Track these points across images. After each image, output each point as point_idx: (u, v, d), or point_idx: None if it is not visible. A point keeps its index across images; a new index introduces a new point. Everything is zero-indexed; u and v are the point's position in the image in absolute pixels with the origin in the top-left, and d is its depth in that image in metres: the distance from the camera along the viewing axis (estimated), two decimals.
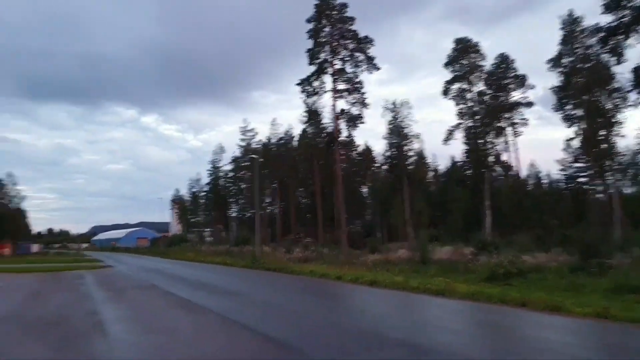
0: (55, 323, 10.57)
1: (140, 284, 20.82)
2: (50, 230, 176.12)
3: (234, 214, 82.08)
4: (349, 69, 45.02)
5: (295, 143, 68.70)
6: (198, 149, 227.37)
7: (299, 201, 72.08)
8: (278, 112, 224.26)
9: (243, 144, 72.33)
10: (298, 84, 46.17)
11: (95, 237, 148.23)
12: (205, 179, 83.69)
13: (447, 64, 52.20)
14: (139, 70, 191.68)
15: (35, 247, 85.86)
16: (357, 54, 45.01)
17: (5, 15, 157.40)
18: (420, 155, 62.83)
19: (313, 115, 48.78)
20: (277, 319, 10.99)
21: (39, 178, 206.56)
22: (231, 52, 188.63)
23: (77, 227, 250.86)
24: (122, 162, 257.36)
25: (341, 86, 44.75)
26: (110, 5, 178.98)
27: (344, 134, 46.34)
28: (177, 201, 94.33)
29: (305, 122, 51.85)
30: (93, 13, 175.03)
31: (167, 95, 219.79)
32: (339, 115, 44.63)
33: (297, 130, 68.59)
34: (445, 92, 51.94)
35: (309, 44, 45.36)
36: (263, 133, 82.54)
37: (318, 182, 56.01)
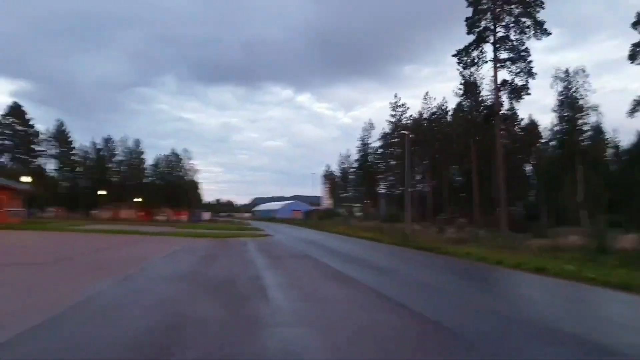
0: (224, 285, 11.32)
1: (295, 253, 21.72)
2: (218, 200, 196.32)
3: (382, 191, 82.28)
4: (513, 36, 41.18)
5: (449, 118, 65.78)
6: (349, 126, 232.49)
7: (453, 179, 69.20)
8: (431, 86, 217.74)
9: (393, 119, 71.52)
10: (454, 55, 43.72)
11: (256, 208, 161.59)
12: (355, 156, 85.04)
13: (635, 24, 44.64)
14: (295, 51, 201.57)
15: (206, 215, 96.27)
16: (523, 19, 40.87)
17: (179, 7, 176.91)
18: (598, 130, 55.49)
19: (470, 87, 45.94)
20: (433, 300, 10.32)
21: (208, 153, 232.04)
22: (382, 27, 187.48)
23: (240, 198, 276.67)
24: (279, 139, 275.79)
25: (504, 55, 41.25)
26: None
27: (505, 107, 42.85)
28: (328, 176, 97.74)
29: (462, 95, 49.18)
30: (253, 2, 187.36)
31: (320, 74, 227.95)
32: (500, 86, 41.24)
33: (451, 104, 65.67)
34: (633, 57, 44.59)
35: (467, 12, 42.46)
36: (414, 108, 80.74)
37: (475, 160, 52.86)
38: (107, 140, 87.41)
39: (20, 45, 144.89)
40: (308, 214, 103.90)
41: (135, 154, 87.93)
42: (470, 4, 42.21)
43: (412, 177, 62.57)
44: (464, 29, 42.55)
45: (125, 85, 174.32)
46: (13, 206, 46.51)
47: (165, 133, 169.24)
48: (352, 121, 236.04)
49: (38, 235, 28.80)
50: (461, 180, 67.92)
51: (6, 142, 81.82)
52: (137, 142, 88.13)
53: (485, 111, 46.46)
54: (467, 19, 42.45)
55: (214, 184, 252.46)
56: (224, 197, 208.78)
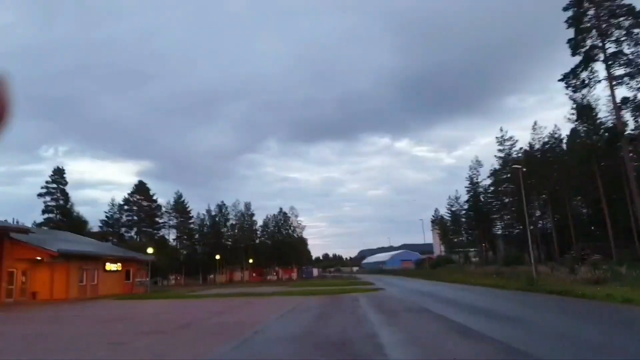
0: (340, 344, 10.60)
1: (411, 306, 20.37)
2: (325, 255, 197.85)
3: (499, 232, 77.03)
4: (627, 49, 37.56)
5: (564, 146, 60.73)
6: (453, 167, 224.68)
7: (578, 212, 62.87)
8: (538, 115, 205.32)
9: (501, 154, 67.66)
10: (561, 80, 40.83)
11: (364, 261, 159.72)
12: (464, 197, 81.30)
13: None
14: (388, 99, 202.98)
15: (315, 271, 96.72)
16: (635, 31, 37.25)
17: (277, 75, 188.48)
18: None
19: (584, 110, 42.17)
20: (577, 355, 8.65)
21: (313, 209, 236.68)
22: (476, 61, 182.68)
23: (347, 252, 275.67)
24: (381, 187, 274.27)
25: (619, 71, 37.62)
26: (353, 49, 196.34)
27: (630, 127, 38.46)
28: (438, 221, 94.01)
29: (575, 121, 45.17)
30: (342, 59, 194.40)
31: (417, 118, 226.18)
32: (621, 105, 37.34)
33: (564, 131, 60.81)
34: None
35: (569, 33, 39.80)
36: (523, 140, 75.86)
37: (601, 187, 47.64)
38: (221, 207, 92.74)
39: (142, 128, 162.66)
40: (419, 263, 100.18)
41: (246, 217, 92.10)
42: (570, 25, 39.56)
43: (531, 214, 57.81)
44: (567, 51, 39.74)
45: (233, 154, 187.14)
46: (140, 277, 50.29)
47: (272, 194, 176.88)
48: (456, 161, 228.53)
49: (160, 304, 30.33)
50: (588, 212, 61.48)
51: (134, 218, 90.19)
52: (248, 206, 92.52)
53: (606, 134, 42.16)
54: (569, 41, 39.71)
55: (320, 238, 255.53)
56: (331, 252, 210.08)
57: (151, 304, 29.80)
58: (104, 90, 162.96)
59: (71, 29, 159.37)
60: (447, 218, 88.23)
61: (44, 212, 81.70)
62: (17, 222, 62.52)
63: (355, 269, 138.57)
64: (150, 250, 47.41)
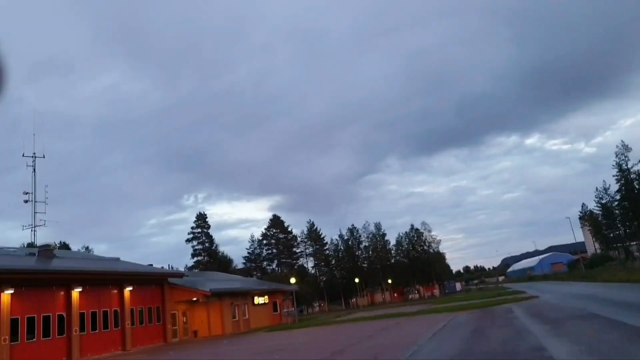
0: None
1: (575, 313, 18.41)
2: (466, 268, 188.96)
3: None
4: None
5: None
6: (595, 156, 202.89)
7: None
8: None
9: None
10: None
11: (510, 269, 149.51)
12: (614, 186, 72.53)
13: None
14: (510, 96, 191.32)
15: (458, 286, 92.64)
16: None
17: (388, 91, 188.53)
18: None
19: None
20: None
21: (445, 222, 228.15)
22: (603, 41, 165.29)
23: (488, 261, 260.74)
24: (515, 189, 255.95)
25: None
26: (462, 51, 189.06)
27: None
28: (588, 217, 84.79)
29: None
30: (452, 64, 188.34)
31: (544, 111, 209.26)
32: None
33: None
34: None
35: None
36: None
37: None
38: (352, 230, 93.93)
39: (269, 166, 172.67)
40: (572, 264, 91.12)
41: (378, 237, 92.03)
42: None
43: None
44: None
45: (355, 177, 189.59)
46: (286, 307, 52.46)
47: (399, 211, 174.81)
48: (598, 149, 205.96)
49: (310, 332, 31.17)
50: None
51: (273, 251, 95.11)
52: (378, 226, 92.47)
53: None
54: None
55: (458, 251, 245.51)
56: (471, 264, 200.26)
57: (301, 333, 30.74)
58: (230, 136, 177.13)
59: (194, 86, 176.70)
60: (598, 212, 79.12)
61: (193, 255, 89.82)
62: (172, 267, 69.56)
63: (500, 278, 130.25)
64: (293, 280, 49.35)
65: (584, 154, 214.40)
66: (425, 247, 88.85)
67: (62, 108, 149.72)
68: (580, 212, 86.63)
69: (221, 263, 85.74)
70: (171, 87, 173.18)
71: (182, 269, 74.40)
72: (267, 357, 18.29)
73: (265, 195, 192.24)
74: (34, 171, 45.27)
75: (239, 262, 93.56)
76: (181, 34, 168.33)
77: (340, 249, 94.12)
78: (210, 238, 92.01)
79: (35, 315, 25.51)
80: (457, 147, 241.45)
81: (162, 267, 50.88)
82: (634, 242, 74.47)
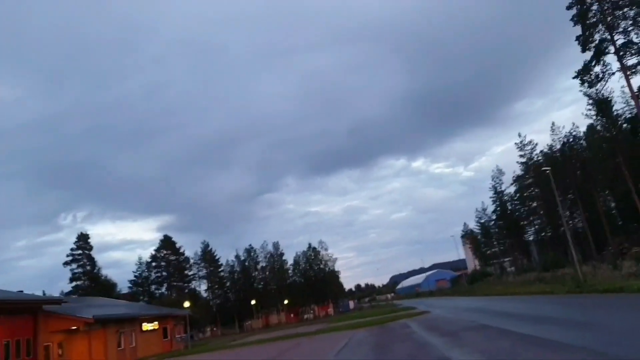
0: None
1: (467, 325, 19.45)
2: (357, 286, 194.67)
3: (530, 238, 75.19)
4: (635, 38, 37.27)
5: (583, 142, 59.75)
6: (473, 179, 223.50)
7: (607, 207, 61.23)
8: (548, 117, 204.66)
9: (523, 159, 66.68)
10: (575, 77, 40.43)
11: (398, 286, 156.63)
12: (491, 207, 79.93)
13: None
14: (399, 121, 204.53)
15: (351, 304, 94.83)
16: None
17: (287, 112, 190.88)
18: None
19: (602, 104, 41.64)
20: None
21: (338, 240, 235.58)
22: (481, 74, 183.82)
23: (379, 279, 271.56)
24: (404, 209, 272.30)
25: (632, 60, 37.19)
26: (358, 77, 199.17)
27: None
28: (468, 236, 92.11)
29: (596, 115, 44.56)
30: (348, 88, 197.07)
31: (430, 136, 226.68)
32: (639, 93, 36.71)
33: (582, 127, 60.09)
34: None
35: (575, 31, 39.76)
36: (542, 143, 75.21)
37: (630, 179, 46.35)
38: (249, 250, 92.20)
39: (159, 183, 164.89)
40: (455, 281, 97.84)
41: (276, 257, 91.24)
42: (576, 22, 39.46)
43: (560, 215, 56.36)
44: (569, 50, 40.69)
45: (252, 195, 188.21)
46: (177, 333, 49.58)
47: (296, 230, 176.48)
48: (475, 173, 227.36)
49: (205, 359, 29.62)
50: (618, 206, 59.69)
51: (163, 274, 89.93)
52: (276, 245, 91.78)
53: (628, 125, 41.40)
54: (577, 38, 39.53)
55: (349, 269, 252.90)
56: (362, 282, 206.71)
57: None
58: (117, 150, 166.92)
59: (78, 95, 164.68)
60: (477, 231, 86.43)
61: (72, 279, 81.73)
62: (46, 294, 62.72)
63: (389, 295, 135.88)
64: (187, 304, 46.87)
65: (463, 177, 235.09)
66: (321, 266, 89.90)
67: None
68: (463, 230, 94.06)
69: (104, 287, 79.01)
70: (51, 96, 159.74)
71: (57, 294, 67.32)
72: None
73: (154, 214, 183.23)
74: None
75: (124, 287, 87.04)
76: (66, 39, 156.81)
77: (236, 270, 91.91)
78: (92, 260, 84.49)
79: None
80: (350, 167, 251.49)
81: (34, 294, 45.50)
82: (508, 259, 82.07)
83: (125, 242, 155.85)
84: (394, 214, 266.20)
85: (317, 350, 20.40)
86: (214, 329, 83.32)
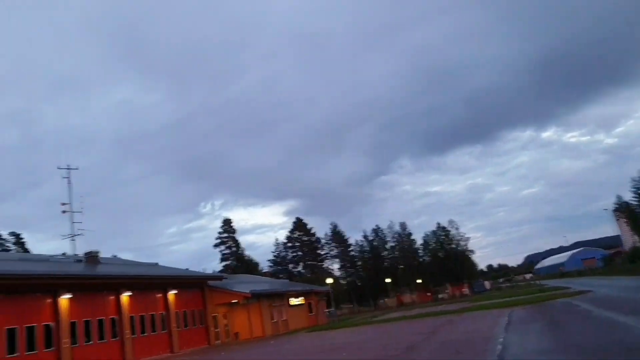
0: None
1: None
2: (490, 267, 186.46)
3: None
4: None
5: None
6: (618, 146, 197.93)
7: None
8: None
9: None
10: None
11: (537, 266, 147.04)
12: None
13: None
14: (521, 90, 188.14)
15: (487, 284, 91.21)
16: None
17: (395, 91, 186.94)
18: None
19: None
20: None
21: (463, 220, 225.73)
22: (612, 26, 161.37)
23: (510, 259, 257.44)
24: (534, 184, 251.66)
25: None
26: (469, 45, 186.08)
27: None
28: (623, 209, 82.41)
29: None
30: (459, 58, 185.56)
31: (559, 104, 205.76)
32: None
33: None
34: None
35: None
36: None
37: None
38: (377, 230, 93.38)
39: (282, 171, 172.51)
40: (608, 259, 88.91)
41: (404, 237, 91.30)
42: None
43: None
44: None
45: (369, 178, 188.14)
46: (321, 308, 52.15)
47: (416, 211, 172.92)
48: (620, 139, 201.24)
49: (356, 332, 30.78)
50: None
51: (298, 253, 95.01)
52: (404, 225, 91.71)
53: None
54: None
55: (478, 250, 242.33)
56: (493, 262, 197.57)
57: (348, 333, 30.29)
58: (242, 142, 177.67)
59: (205, 95, 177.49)
60: (635, 203, 76.89)
61: (222, 259, 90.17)
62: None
63: (527, 276, 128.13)
64: (329, 280, 49.06)
65: (605, 144, 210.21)
66: (453, 246, 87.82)
67: (79, 124, 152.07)
68: (616, 203, 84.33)
69: (248, 266, 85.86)
70: (183, 98, 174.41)
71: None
72: (335, 355, 17.93)
73: (280, 200, 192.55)
74: (69, 182, 45.78)
75: (263, 266, 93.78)
76: (189, 46, 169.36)
77: (366, 250, 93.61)
78: (236, 242, 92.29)
79: (91, 319, 25.63)
80: (470, 144, 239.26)
81: (199, 272, 50.90)
82: None
83: (257, 227, 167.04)
84: (524, 190, 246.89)
85: (478, 327, 20.10)
86: (351, 306, 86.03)
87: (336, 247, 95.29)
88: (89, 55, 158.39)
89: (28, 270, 24.51)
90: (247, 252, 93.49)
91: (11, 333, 21.39)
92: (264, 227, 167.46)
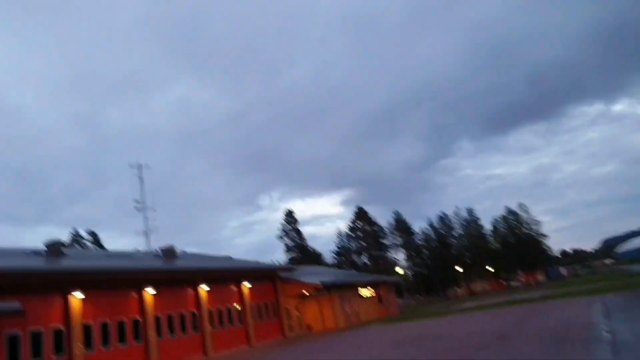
0: None
1: None
2: (563, 252, 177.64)
3: None
4: None
5: None
6: None
7: None
8: None
9: None
10: None
11: (619, 250, 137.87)
12: None
13: None
14: (587, 61, 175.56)
15: (563, 270, 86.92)
16: None
17: (450, 71, 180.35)
18: None
19: None
20: None
21: (530, 204, 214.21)
22: None
23: (584, 244, 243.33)
24: (607, 162, 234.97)
25: None
26: (530, 16, 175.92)
27: None
28: None
29: None
30: (520, 32, 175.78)
31: (631, 73, 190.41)
32: None
33: None
34: None
35: None
36: None
37: None
38: (442, 218, 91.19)
39: (337, 160, 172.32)
40: None
41: (471, 224, 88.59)
42: None
43: None
44: None
45: (427, 163, 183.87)
46: (391, 299, 51.55)
47: (479, 195, 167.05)
48: None
49: (438, 322, 29.92)
50: None
51: (362, 243, 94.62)
52: (471, 211, 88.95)
53: None
54: None
55: (548, 234, 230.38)
56: (565, 247, 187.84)
57: (428, 323, 29.43)
58: (297, 133, 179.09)
59: (258, 88, 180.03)
60: None
61: (286, 251, 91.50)
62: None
63: (607, 261, 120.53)
64: (399, 270, 48.33)
65: None
66: (525, 230, 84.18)
67: (142, 123, 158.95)
68: None
69: (311, 258, 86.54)
70: (237, 92, 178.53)
71: None
72: (432, 343, 17.31)
73: (336, 189, 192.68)
74: (141, 180, 47.85)
75: (326, 257, 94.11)
76: (240, 40, 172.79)
77: (432, 238, 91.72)
78: (299, 234, 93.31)
79: (173, 314, 26.52)
80: (533, 121, 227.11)
81: (270, 263, 51.67)
82: None
83: (315, 217, 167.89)
84: (595, 168, 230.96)
85: (572, 314, 18.82)
86: (418, 296, 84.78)
87: (401, 237, 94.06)
88: (147, 56, 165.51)
89: (118, 266, 25.63)
90: (309, 244, 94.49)
91: (104, 327, 22.51)
92: (321, 218, 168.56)
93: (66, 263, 24.69)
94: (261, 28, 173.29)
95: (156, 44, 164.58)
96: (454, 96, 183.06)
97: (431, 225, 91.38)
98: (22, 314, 16.90)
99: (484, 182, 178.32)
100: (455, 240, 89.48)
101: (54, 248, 26.70)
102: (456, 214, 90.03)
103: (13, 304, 16.19)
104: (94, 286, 22.62)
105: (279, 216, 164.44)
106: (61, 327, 20.72)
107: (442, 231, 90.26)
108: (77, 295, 21.45)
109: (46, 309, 20.41)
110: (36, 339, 19.62)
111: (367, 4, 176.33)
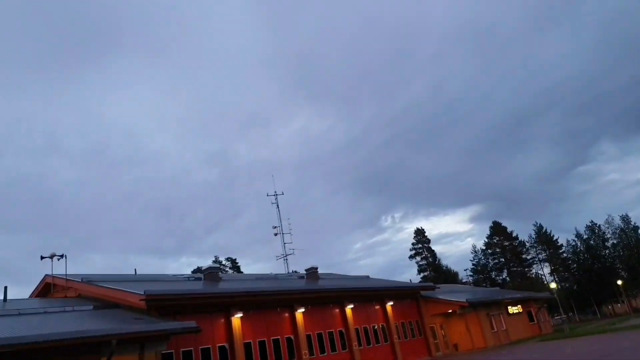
0: None
1: None
2: None
3: None
4: None
5: None
6: None
7: None
8: None
9: None
10: None
11: None
12: None
13: None
14: None
15: None
16: None
17: (581, 70, 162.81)
18: None
19: None
20: None
21: None
22: None
23: None
24: None
25: None
26: None
27: None
28: None
29: None
30: None
31: None
32: None
33: None
34: None
35: None
36: None
37: None
38: (592, 227, 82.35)
39: (461, 176, 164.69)
40: None
41: (628, 232, 78.70)
42: None
43: None
44: None
45: (562, 171, 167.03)
46: (543, 316, 47.44)
47: (629, 203, 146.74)
48: None
49: (603, 340, 26.93)
50: None
51: (500, 259, 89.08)
52: (626, 219, 79.15)
53: None
54: None
55: None
56: None
57: (595, 341, 26.65)
58: (416, 151, 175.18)
59: (374, 111, 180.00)
60: None
61: (419, 271, 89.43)
62: None
63: None
64: (553, 285, 44.54)
65: None
66: None
67: (266, 156, 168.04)
68: None
69: (446, 276, 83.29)
70: (354, 117, 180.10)
71: None
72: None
73: (463, 206, 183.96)
74: (278, 207, 50.61)
75: (462, 276, 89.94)
76: (353, 65, 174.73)
77: (581, 250, 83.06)
78: (432, 252, 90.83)
79: (322, 332, 27.17)
80: None
81: (411, 282, 50.92)
82: None
83: (442, 236, 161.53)
84: None
85: None
86: (570, 314, 76.97)
87: (544, 250, 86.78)
88: (268, 94, 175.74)
89: (272, 287, 26.95)
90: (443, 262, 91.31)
91: (262, 345, 23.74)
92: (449, 236, 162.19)
93: (226, 286, 26.58)
94: (373, 52, 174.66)
95: (275, 82, 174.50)
96: (587, 97, 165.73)
97: (578, 235, 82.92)
98: (199, 332, 18.39)
99: (633, 186, 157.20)
100: (608, 252, 79.97)
101: (211, 274, 29.02)
102: (608, 222, 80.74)
103: (190, 324, 17.68)
104: (252, 307, 24.01)
105: (403, 237, 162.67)
106: (225, 345, 22.23)
107: (592, 242, 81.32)
108: (237, 315, 22.90)
109: (212, 328, 22.09)
110: (205, 355, 21.28)
111: (482, 13, 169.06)
